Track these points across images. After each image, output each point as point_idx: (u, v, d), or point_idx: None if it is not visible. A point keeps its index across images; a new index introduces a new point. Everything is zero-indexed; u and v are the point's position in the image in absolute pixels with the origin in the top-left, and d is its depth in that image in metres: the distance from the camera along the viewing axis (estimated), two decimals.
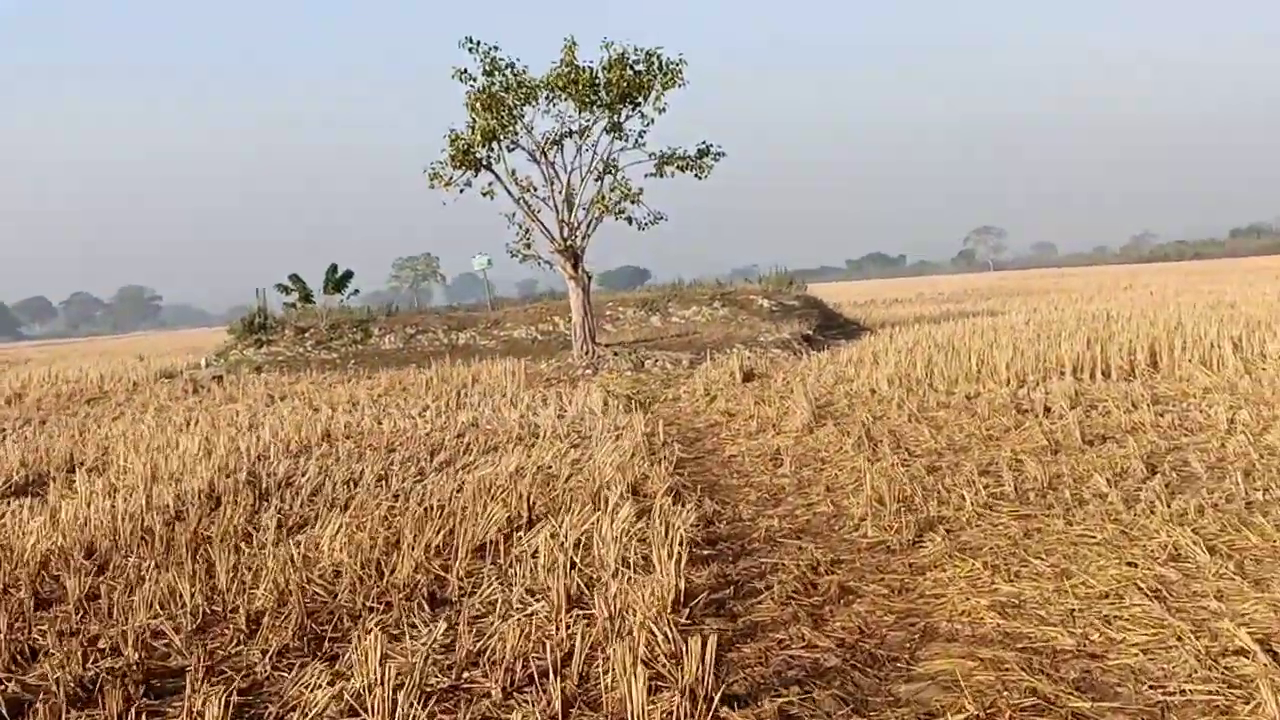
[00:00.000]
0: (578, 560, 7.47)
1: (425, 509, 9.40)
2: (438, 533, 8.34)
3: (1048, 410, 13.52)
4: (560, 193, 24.35)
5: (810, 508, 9.33)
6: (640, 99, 23.76)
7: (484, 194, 24.13)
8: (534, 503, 9.31)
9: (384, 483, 11.24)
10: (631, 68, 23.27)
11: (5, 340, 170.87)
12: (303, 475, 11.81)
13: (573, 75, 22.97)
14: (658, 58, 23.41)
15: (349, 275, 33.37)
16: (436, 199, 23.94)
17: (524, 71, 23.39)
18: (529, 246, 24.56)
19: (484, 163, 23.89)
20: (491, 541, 8.29)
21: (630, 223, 24.68)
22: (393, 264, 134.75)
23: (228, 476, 11.59)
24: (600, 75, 23.26)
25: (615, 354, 24.91)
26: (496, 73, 23.16)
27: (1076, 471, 9.70)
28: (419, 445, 13.96)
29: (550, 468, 11.45)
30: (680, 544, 7.41)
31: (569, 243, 24.38)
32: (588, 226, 24.62)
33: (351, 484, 11.26)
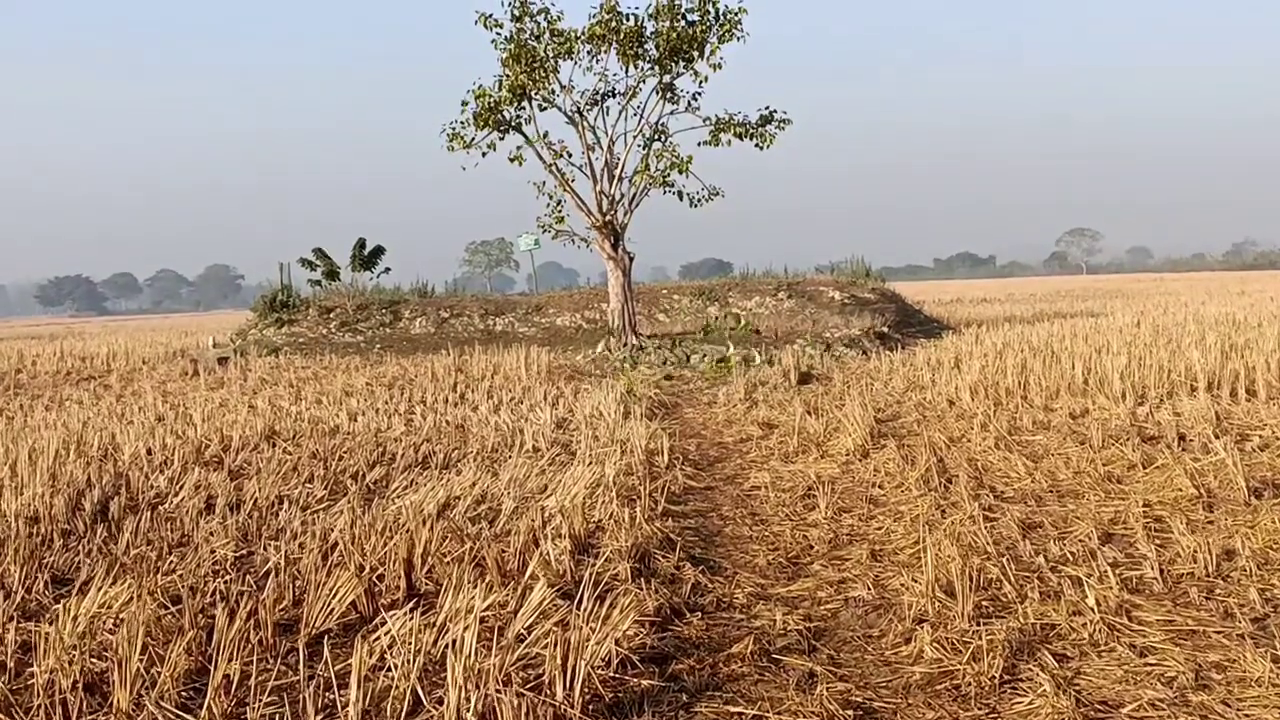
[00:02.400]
0: (424, 695, 4.40)
1: (264, 573, 6.40)
2: (249, 616, 5.33)
3: (1182, 439, 10.15)
4: (600, 160, 21.23)
5: (841, 588, 6.13)
6: (694, 54, 20.50)
7: (511, 159, 21.10)
8: (423, 565, 6.24)
9: (276, 508, 8.31)
10: (683, 17, 20.04)
11: (91, 314, 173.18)
12: (176, 495, 8.89)
13: (614, 24, 19.81)
14: (714, 5, 20.13)
15: (380, 251, 30.48)
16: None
17: (559, 19, 20.26)
18: (561, 221, 21.44)
19: (512, 123, 20.83)
20: (325, 634, 5.27)
21: (681, 198, 21.50)
22: (465, 248, 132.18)
23: (58, 495, 8.66)
24: (647, 24, 20.08)
25: (658, 347, 21.81)
26: (527, 18, 20.05)
27: (1255, 545, 6.38)
28: (366, 453, 11.00)
29: (500, 498, 8.40)
30: (596, 671, 4.31)
31: (608, 217, 21.25)
32: (631, 200, 21.47)
33: (230, 510, 8.32)
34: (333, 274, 30.71)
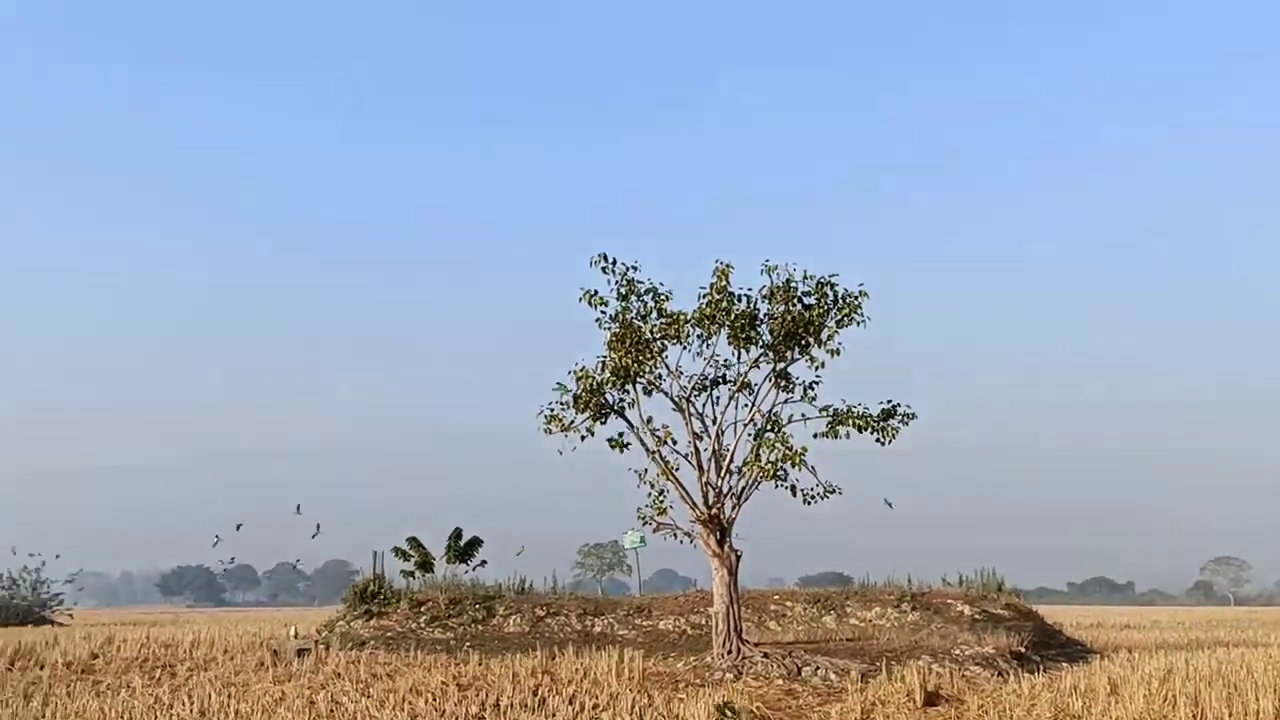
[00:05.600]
0: None
1: None
2: None
3: None
4: (707, 450, 19.90)
5: None
6: (810, 339, 19.42)
7: (612, 444, 19.92)
8: None
9: None
10: (800, 300, 19.11)
11: (207, 605, 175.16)
12: None
13: (725, 304, 18.94)
14: (831, 287, 19.19)
15: (476, 542, 29.30)
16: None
17: (667, 298, 19.50)
18: (664, 512, 19.90)
19: (614, 407, 19.78)
20: None
21: (794, 493, 19.90)
22: (578, 550, 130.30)
23: None
24: (760, 306, 19.18)
25: (765, 655, 19.69)
26: (633, 297, 19.35)
27: None
28: None
29: None
30: None
31: (714, 511, 19.69)
32: (739, 493, 19.96)
33: None
34: (426, 565, 29.47)
